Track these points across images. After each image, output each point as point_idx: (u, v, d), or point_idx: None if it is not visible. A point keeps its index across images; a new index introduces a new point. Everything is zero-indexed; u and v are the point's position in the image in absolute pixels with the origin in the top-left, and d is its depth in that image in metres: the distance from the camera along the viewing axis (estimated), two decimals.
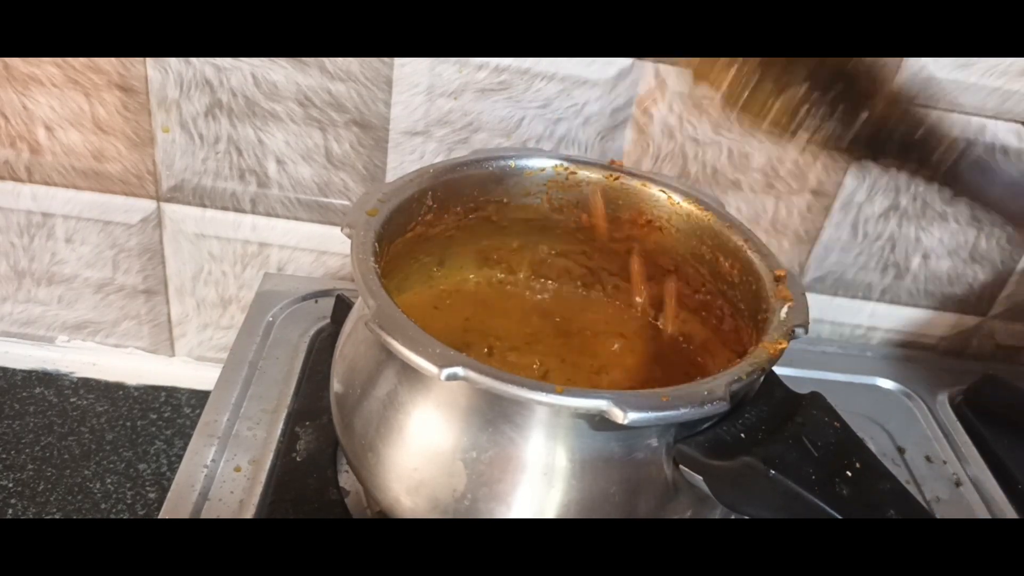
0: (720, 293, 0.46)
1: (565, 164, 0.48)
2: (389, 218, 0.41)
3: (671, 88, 0.56)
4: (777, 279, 0.41)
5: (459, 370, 0.32)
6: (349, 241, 0.38)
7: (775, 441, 0.34)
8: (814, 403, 0.36)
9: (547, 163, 0.48)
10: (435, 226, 0.46)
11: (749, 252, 0.44)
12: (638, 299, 0.50)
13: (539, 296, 0.52)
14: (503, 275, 0.52)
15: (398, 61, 0.55)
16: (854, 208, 0.61)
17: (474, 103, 0.56)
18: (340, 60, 0.55)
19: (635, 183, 0.48)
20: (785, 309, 0.39)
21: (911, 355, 0.66)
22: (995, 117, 0.56)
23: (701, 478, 0.34)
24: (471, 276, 0.52)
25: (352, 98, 0.56)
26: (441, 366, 0.32)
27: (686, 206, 0.47)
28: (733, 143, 0.58)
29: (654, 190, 0.48)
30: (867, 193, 0.60)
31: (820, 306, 0.66)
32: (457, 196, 0.46)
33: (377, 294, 0.35)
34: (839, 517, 0.31)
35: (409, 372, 0.36)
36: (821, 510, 0.32)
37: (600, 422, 0.33)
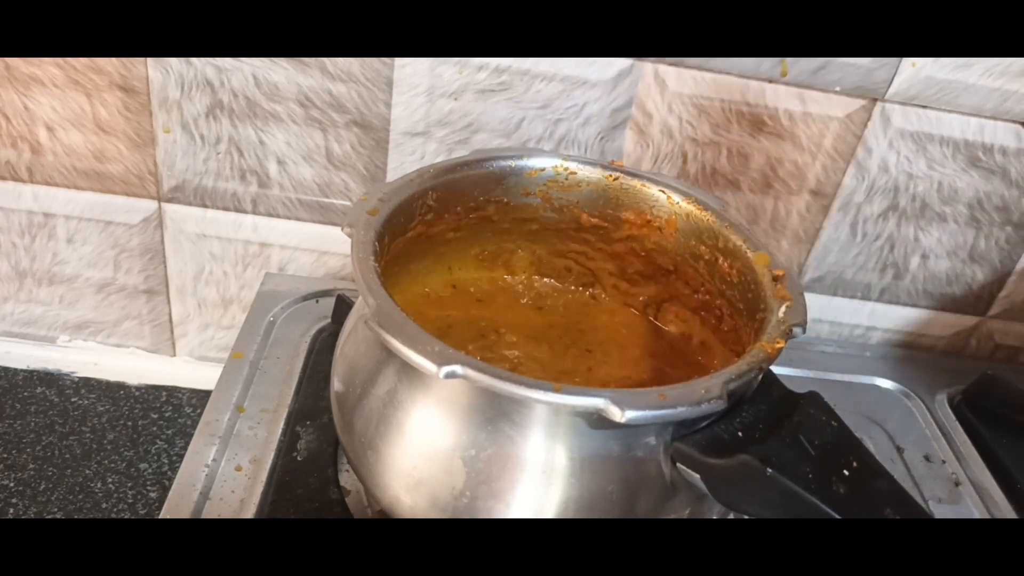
0: (719, 293, 0.46)
1: (565, 164, 0.48)
2: (389, 218, 0.41)
3: (671, 88, 0.56)
4: (776, 279, 0.41)
5: (458, 368, 0.32)
6: (349, 241, 0.39)
7: (773, 440, 0.34)
8: (812, 402, 0.36)
9: (547, 163, 0.48)
10: (435, 226, 0.46)
11: (748, 252, 0.44)
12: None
13: (539, 296, 0.52)
14: (503, 274, 0.53)
15: (398, 62, 0.55)
16: (853, 208, 0.61)
17: (474, 104, 0.56)
18: (341, 61, 0.55)
19: (635, 183, 0.48)
20: (783, 309, 0.39)
21: (910, 355, 0.67)
22: (994, 117, 0.57)
23: (699, 476, 0.34)
24: (471, 275, 0.52)
25: (353, 99, 0.56)
26: (440, 364, 0.32)
27: (686, 206, 0.47)
28: (732, 143, 0.58)
29: (654, 190, 0.48)
30: (866, 193, 0.60)
31: (819, 306, 0.66)
32: (457, 196, 0.46)
33: (377, 293, 0.35)
34: (836, 516, 0.31)
35: (409, 370, 0.36)
36: (818, 509, 0.32)
37: (598, 420, 0.33)
